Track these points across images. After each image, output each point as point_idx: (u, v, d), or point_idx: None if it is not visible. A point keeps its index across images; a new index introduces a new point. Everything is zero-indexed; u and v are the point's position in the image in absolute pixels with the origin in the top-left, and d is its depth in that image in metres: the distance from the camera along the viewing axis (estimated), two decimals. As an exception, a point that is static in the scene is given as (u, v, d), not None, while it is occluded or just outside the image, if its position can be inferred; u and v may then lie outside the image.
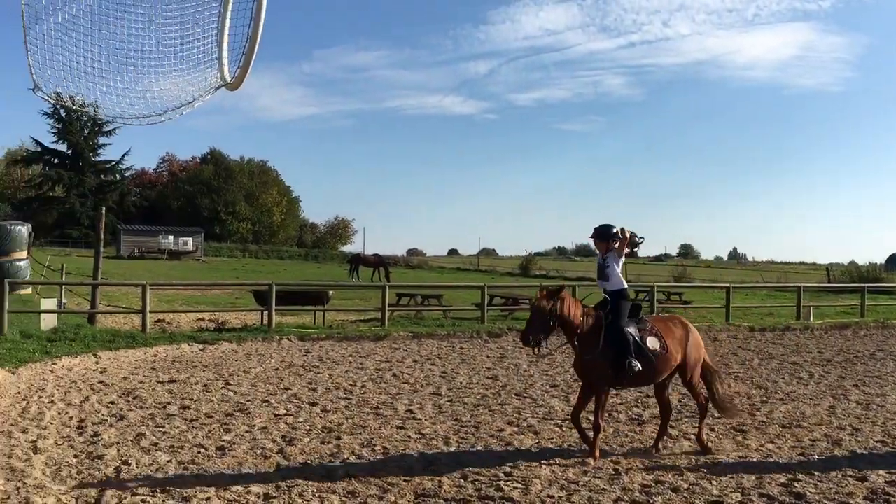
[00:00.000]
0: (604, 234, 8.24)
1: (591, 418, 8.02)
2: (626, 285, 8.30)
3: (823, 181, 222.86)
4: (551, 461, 7.79)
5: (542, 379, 12.87)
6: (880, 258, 75.46)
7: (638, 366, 7.67)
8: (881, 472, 7.50)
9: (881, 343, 19.59)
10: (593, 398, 7.96)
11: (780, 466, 7.69)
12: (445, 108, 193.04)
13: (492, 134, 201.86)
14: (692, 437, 8.89)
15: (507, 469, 7.48)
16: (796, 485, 7.02)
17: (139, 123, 6.43)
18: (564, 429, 9.26)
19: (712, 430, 9.26)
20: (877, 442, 8.81)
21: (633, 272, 57.26)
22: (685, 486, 6.99)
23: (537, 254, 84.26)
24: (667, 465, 7.71)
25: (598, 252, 8.43)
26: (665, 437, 8.51)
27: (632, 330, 7.86)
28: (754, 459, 7.98)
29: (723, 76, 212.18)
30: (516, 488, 6.88)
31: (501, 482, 7.04)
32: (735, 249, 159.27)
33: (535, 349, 7.65)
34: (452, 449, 8.25)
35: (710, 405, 8.53)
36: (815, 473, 7.41)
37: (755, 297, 33.20)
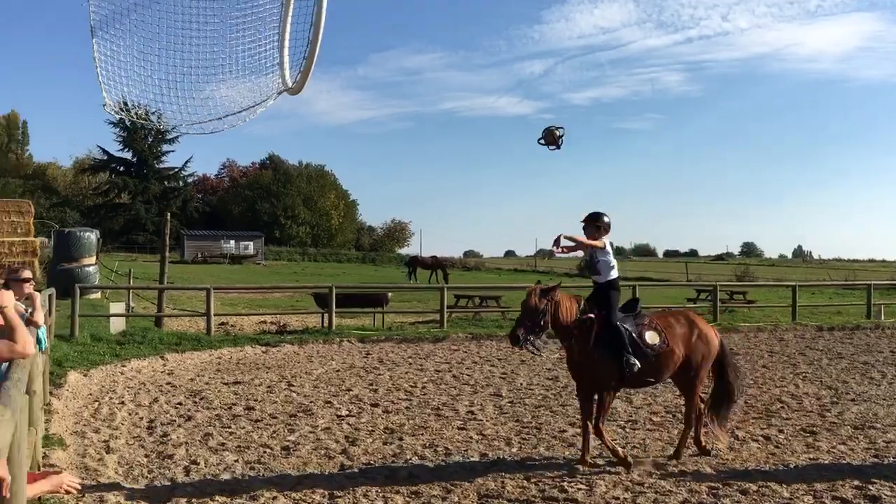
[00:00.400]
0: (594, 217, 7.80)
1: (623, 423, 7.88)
2: (616, 275, 7.80)
3: (893, 175, 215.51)
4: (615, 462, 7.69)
5: (604, 380, 12.71)
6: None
7: (636, 363, 7.27)
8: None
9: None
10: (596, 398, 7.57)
11: (853, 468, 7.46)
12: (500, 109, 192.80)
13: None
14: (760, 437, 8.69)
15: (572, 471, 7.42)
16: (871, 487, 6.80)
17: (202, 131, 6.54)
18: (627, 430, 9.15)
19: (781, 431, 9.05)
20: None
21: (694, 272, 56.40)
22: (754, 488, 6.84)
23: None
24: (735, 466, 7.55)
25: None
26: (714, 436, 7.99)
27: (628, 325, 7.46)
28: (826, 461, 7.76)
29: (785, 69, 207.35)
30: (580, 489, 6.82)
31: (565, 483, 6.98)
32: (800, 247, 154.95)
33: (529, 350, 7.30)
34: (514, 450, 8.22)
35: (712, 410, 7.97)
36: (891, 476, 7.17)
37: (822, 296, 32.32)
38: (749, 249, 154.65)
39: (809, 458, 7.86)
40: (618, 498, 6.58)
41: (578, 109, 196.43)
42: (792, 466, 7.56)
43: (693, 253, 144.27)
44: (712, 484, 6.97)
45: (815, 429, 9.17)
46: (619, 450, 7.51)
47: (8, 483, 2.30)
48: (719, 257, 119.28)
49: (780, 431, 9.04)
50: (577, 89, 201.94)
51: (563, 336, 7.50)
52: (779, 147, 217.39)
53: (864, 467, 7.51)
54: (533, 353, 7.44)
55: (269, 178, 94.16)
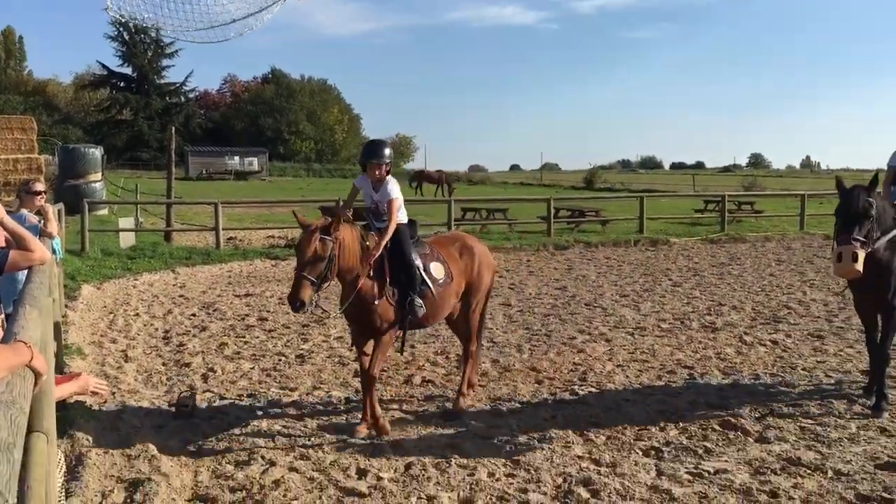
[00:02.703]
0: (376, 152, 6.21)
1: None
2: (406, 219, 6.32)
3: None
4: (625, 367, 7.83)
5: (612, 289, 12.83)
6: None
7: (422, 307, 6.07)
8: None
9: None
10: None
11: (858, 370, 7.56)
12: (505, 19, 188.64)
13: (553, 45, 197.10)
14: (768, 342, 8.80)
15: (582, 374, 7.55)
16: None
17: (208, 40, 6.35)
18: (636, 336, 9.26)
19: (788, 336, 9.15)
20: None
21: (701, 183, 56.05)
22: (763, 389, 6.98)
23: (601, 167, 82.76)
24: (743, 370, 7.67)
25: (366, 183, 6.29)
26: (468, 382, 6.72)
27: (414, 258, 6.15)
28: (833, 363, 7.87)
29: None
30: (591, 392, 6.96)
31: (576, 387, 7.12)
32: (808, 157, 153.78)
33: (315, 313, 5.62)
34: (525, 356, 8.34)
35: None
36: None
37: (830, 205, 32.12)
38: (756, 161, 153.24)
39: (817, 361, 7.97)
40: (628, 400, 6.71)
41: (585, 19, 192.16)
42: (800, 369, 7.68)
43: (700, 165, 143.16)
44: (722, 385, 7.10)
45: (822, 333, 9.27)
46: (378, 410, 5.95)
47: (44, 379, 2.33)
48: (726, 169, 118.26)
49: (788, 336, 9.16)
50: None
51: (346, 281, 5.88)
52: (790, 56, 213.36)
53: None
54: (320, 314, 5.74)
55: (271, 92, 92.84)
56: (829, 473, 5.01)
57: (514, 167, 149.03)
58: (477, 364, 7.06)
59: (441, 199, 32.12)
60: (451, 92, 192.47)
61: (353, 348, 6.46)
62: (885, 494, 4.66)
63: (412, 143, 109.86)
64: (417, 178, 45.40)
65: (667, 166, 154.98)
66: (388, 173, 6.22)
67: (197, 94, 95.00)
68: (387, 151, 6.23)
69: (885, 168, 7.44)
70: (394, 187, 6.18)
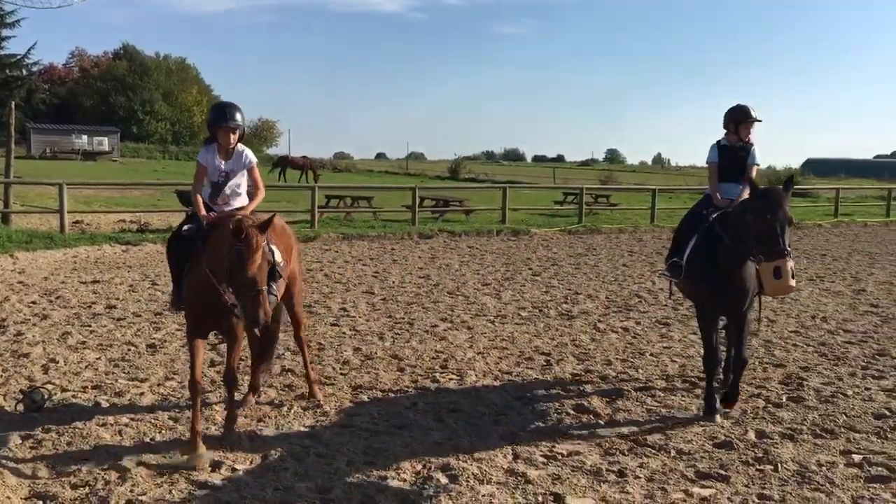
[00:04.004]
0: (228, 115, 5.47)
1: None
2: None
3: (743, 89, 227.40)
4: (485, 354, 7.96)
5: (474, 278, 13.02)
6: (797, 163, 78.61)
7: (276, 296, 5.51)
8: (796, 355, 7.96)
9: (794, 242, 20.42)
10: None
11: (700, 355, 8.02)
12: (373, 6, 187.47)
13: (421, 35, 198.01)
14: (619, 329, 9.19)
15: (443, 362, 7.61)
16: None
17: (49, 5, 5.89)
18: (496, 324, 9.44)
19: (638, 323, 9.60)
20: (791, 332, 9.27)
21: (561, 176, 57.94)
22: (614, 374, 7.28)
23: (466, 158, 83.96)
24: (596, 356, 7.97)
25: (213, 155, 5.58)
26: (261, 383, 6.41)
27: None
28: (678, 349, 8.32)
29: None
30: (452, 379, 7.03)
31: (437, 374, 7.17)
32: (659, 154, 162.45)
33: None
34: (388, 344, 8.33)
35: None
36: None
37: (678, 200, 33.99)
38: (613, 156, 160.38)
39: (663, 347, 8.40)
40: (487, 386, 6.83)
41: (453, 10, 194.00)
42: (647, 354, 8.07)
43: (560, 158, 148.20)
44: (575, 371, 7.35)
45: (668, 321, 9.79)
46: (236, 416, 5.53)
47: None
48: (585, 163, 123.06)
49: (638, 323, 9.61)
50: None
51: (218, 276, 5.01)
52: (646, 56, 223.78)
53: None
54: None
55: (123, 69, 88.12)
56: (672, 453, 5.29)
57: (380, 156, 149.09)
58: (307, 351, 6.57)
59: (305, 185, 31.60)
60: (317, 77, 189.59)
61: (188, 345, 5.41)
62: (721, 471, 4.97)
63: (276, 128, 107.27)
64: (281, 164, 44.35)
65: (529, 159, 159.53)
66: (240, 139, 5.58)
67: (41, 67, 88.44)
68: (238, 116, 5.48)
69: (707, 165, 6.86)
70: (251, 153, 5.63)
